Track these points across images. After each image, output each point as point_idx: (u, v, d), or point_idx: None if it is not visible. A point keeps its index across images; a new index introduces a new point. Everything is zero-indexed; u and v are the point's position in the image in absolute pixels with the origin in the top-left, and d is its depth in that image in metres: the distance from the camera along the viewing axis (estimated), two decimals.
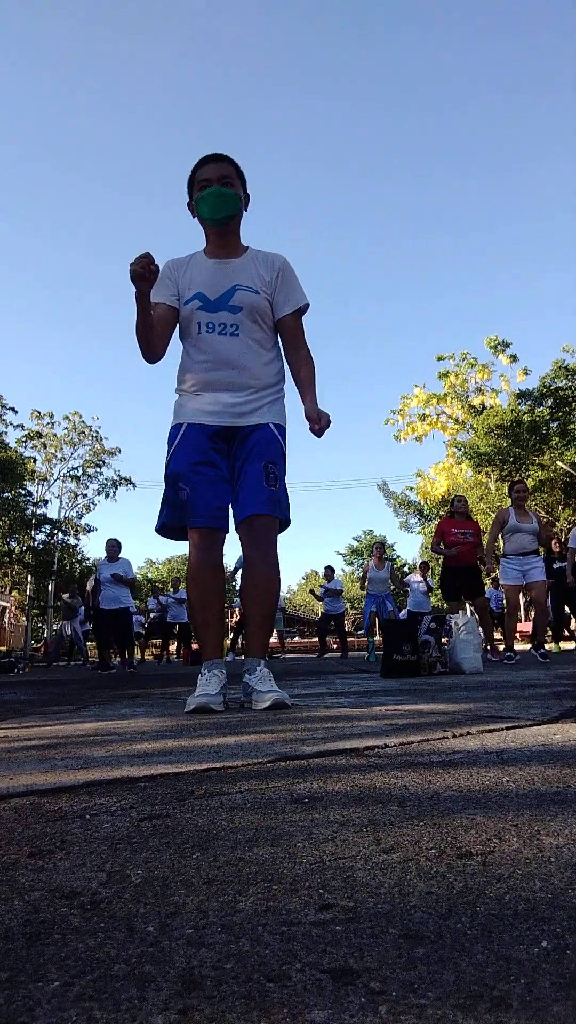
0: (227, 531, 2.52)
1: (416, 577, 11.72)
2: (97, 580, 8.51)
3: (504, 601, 9.81)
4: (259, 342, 2.53)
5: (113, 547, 8.56)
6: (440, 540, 6.91)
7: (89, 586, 8.85)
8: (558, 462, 23.08)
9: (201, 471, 2.43)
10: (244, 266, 2.55)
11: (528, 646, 13.97)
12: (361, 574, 10.29)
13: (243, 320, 2.48)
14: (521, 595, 6.42)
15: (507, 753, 1.21)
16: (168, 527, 2.51)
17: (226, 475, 2.50)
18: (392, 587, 10.41)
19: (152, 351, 2.49)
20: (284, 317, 2.58)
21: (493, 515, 22.83)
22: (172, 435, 2.53)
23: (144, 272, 2.23)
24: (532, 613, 6.34)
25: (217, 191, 2.48)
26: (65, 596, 14.13)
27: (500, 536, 6.43)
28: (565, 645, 10.26)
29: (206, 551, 2.45)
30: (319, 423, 2.45)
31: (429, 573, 12.33)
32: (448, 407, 26.68)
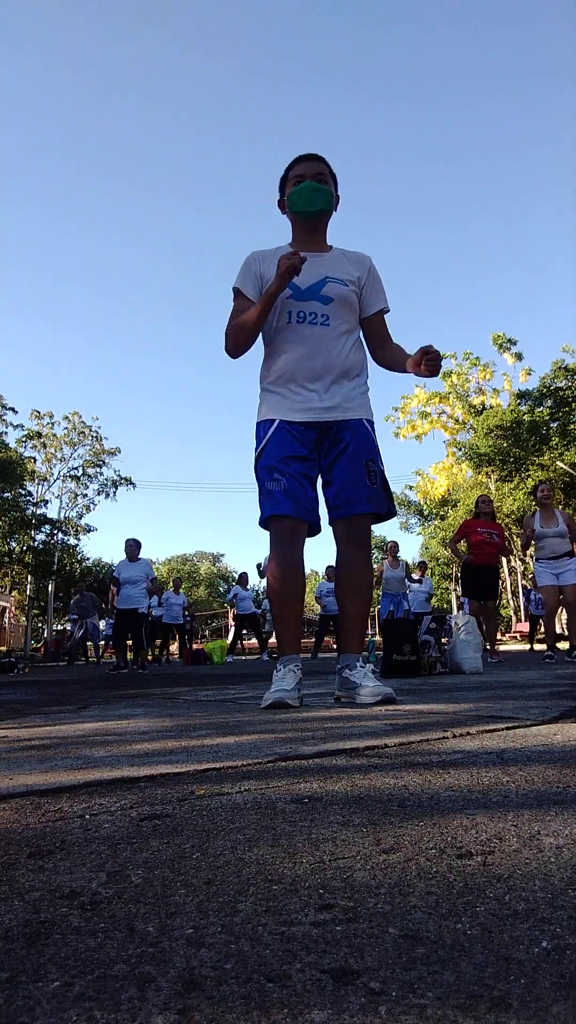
0: (315, 528, 2.52)
1: (416, 578, 11.71)
2: (117, 579, 8.53)
3: (543, 603, 9.78)
4: (348, 332, 2.54)
5: (132, 547, 8.58)
6: (462, 538, 6.88)
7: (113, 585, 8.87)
8: (558, 462, 23.07)
9: (293, 465, 2.44)
10: (334, 260, 2.58)
11: (527, 647, 14.01)
12: (376, 574, 10.26)
13: (334, 310, 2.49)
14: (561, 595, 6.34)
15: (507, 753, 1.21)
16: (263, 520, 2.49)
17: (314, 473, 2.51)
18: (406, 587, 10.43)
19: (247, 346, 2.52)
20: (372, 315, 2.62)
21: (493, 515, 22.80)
22: (262, 431, 2.51)
23: (295, 268, 2.32)
24: (566, 615, 6.28)
25: (312, 185, 2.53)
26: (76, 596, 14.10)
27: (532, 542, 6.36)
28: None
29: (292, 545, 2.45)
30: (430, 353, 2.38)
31: (428, 573, 12.33)
32: (449, 406, 26.65)
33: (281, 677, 2.37)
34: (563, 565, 6.16)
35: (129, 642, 8.64)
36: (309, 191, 2.53)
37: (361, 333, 2.65)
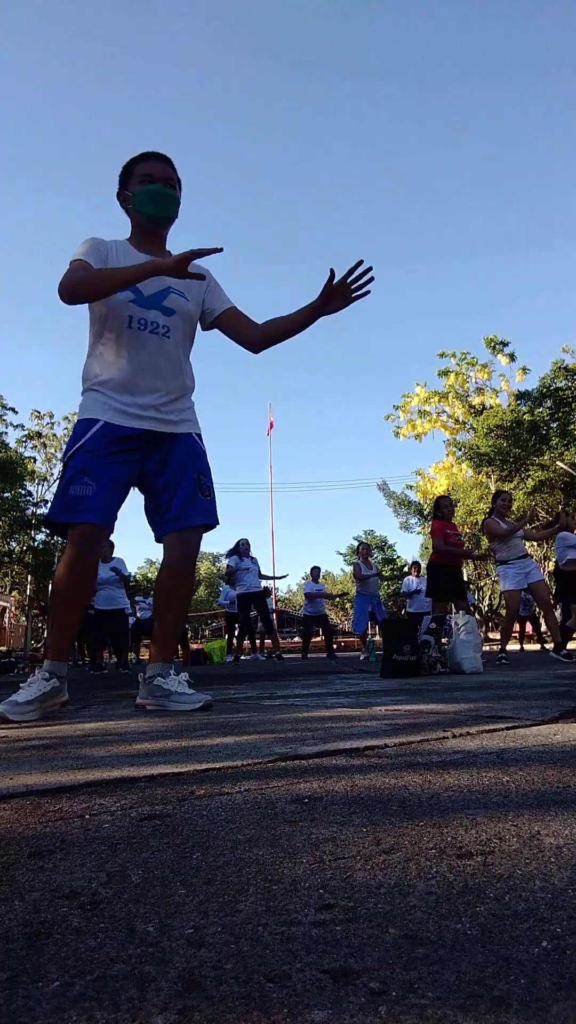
0: (111, 534, 2.46)
1: (413, 578, 11.74)
2: None
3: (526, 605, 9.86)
4: (184, 349, 2.50)
5: (105, 548, 8.57)
6: (443, 540, 6.88)
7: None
8: (558, 462, 23.06)
9: (108, 470, 2.34)
10: None
11: (516, 646, 14.05)
12: (353, 574, 10.33)
13: (174, 323, 2.44)
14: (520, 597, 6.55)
15: (507, 753, 1.21)
16: (55, 521, 2.35)
17: (131, 480, 2.44)
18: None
19: (87, 301, 2.35)
20: (223, 314, 2.55)
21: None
22: (82, 428, 2.37)
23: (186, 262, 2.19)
24: (543, 614, 6.47)
25: (164, 190, 2.44)
26: None
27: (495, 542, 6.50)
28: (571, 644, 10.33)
29: (92, 550, 2.37)
30: (354, 272, 2.32)
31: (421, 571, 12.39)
32: (448, 406, 26.65)
33: (27, 684, 2.30)
34: (529, 564, 6.35)
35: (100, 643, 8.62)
36: (160, 196, 2.43)
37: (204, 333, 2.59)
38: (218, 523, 2.51)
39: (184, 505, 2.42)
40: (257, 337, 2.55)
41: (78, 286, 2.23)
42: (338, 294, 2.38)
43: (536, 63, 66.85)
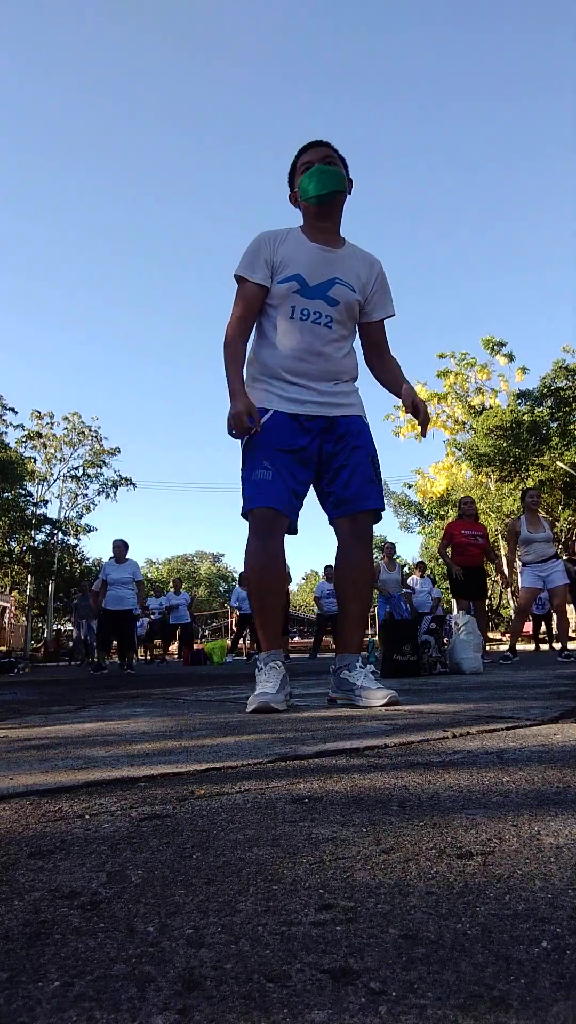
0: (292, 528, 2.47)
1: (416, 577, 11.75)
2: (104, 581, 8.48)
3: (544, 604, 9.86)
4: (345, 338, 2.54)
5: (120, 548, 8.54)
6: (449, 542, 6.88)
7: (96, 587, 8.82)
8: (558, 462, 23.06)
9: (283, 458, 2.37)
10: (344, 259, 2.51)
11: (531, 646, 14.04)
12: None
13: (337, 314, 2.47)
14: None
15: (507, 753, 1.21)
16: (247, 509, 2.41)
17: (305, 472, 2.45)
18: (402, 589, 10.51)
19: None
20: (374, 322, 2.60)
21: (494, 515, 22.86)
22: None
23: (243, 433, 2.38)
24: (555, 616, 6.47)
25: (321, 167, 2.45)
26: (78, 596, 14.01)
27: (516, 547, 6.48)
28: (572, 645, 10.33)
29: (274, 537, 2.38)
30: (421, 414, 2.50)
31: (428, 572, 12.37)
32: (448, 407, 26.65)
33: (265, 678, 2.30)
34: (550, 567, 6.29)
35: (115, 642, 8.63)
36: (319, 174, 2.44)
37: (358, 338, 2.63)
38: (384, 509, 2.54)
39: (358, 488, 2.44)
40: (381, 370, 2.67)
41: (225, 350, 2.44)
42: (410, 411, 2.57)
43: (538, 73, 66.90)
